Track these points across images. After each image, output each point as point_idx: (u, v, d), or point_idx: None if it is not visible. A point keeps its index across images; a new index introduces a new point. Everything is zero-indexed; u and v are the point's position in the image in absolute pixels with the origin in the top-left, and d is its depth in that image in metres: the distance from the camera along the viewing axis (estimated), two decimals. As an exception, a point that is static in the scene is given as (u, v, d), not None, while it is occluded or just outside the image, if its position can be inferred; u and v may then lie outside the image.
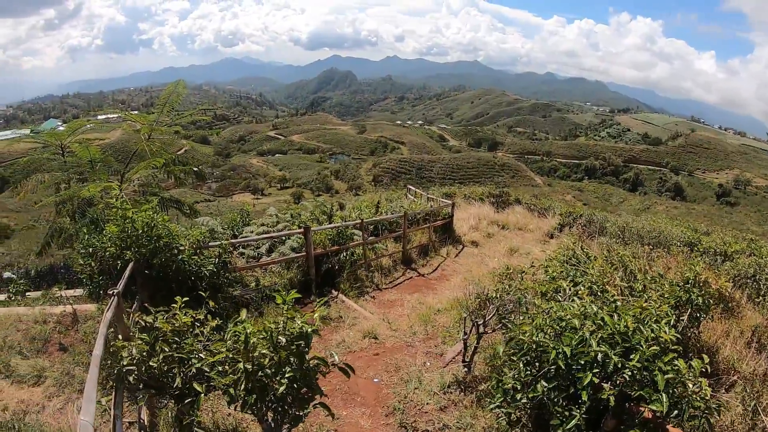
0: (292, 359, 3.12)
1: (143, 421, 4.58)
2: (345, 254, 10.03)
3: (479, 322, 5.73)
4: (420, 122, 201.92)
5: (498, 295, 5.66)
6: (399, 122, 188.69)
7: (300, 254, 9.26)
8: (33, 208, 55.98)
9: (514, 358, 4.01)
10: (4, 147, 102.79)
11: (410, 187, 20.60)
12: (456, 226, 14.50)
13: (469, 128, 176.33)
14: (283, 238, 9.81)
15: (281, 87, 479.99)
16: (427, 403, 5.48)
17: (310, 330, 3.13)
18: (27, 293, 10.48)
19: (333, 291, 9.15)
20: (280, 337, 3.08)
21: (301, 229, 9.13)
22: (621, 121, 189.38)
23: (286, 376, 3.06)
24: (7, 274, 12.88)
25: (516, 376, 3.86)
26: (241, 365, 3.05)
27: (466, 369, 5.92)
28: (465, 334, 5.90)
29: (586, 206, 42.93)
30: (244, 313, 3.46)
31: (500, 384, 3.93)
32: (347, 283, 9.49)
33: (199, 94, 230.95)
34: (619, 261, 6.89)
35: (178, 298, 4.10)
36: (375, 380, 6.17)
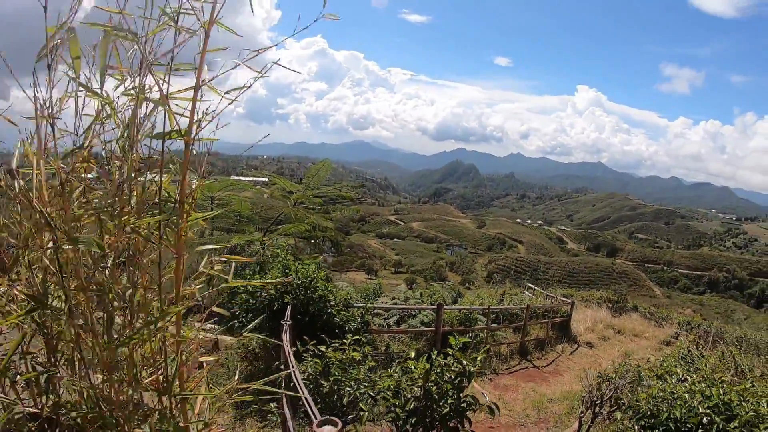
0: (452, 392, 3.92)
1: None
2: (469, 335, 10.63)
3: (596, 401, 6.09)
4: (540, 222, 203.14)
5: (617, 375, 6.08)
6: (519, 220, 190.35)
7: (429, 329, 10.26)
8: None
9: (629, 424, 4.72)
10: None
11: (529, 284, 21.07)
12: (572, 326, 14.68)
13: (589, 232, 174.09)
14: (415, 312, 11.14)
15: (406, 173, 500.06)
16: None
17: (472, 369, 3.95)
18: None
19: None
20: (447, 373, 3.94)
21: (434, 306, 10.24)
22: (748, 230, 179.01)
23: (448, 403, 3.86)
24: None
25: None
26: (410, 392, 3.90)
27: (578, 448, 6.21)
28: (582, 411, 6.27)
29: (706, 321, 40.17)
30: (413, 353, 4.40)
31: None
32: (468, 362, 10.14)
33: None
34: (731, 361, 7.05)
35: (349, 336, 5.23)
36: (489, 450, 6.71)
